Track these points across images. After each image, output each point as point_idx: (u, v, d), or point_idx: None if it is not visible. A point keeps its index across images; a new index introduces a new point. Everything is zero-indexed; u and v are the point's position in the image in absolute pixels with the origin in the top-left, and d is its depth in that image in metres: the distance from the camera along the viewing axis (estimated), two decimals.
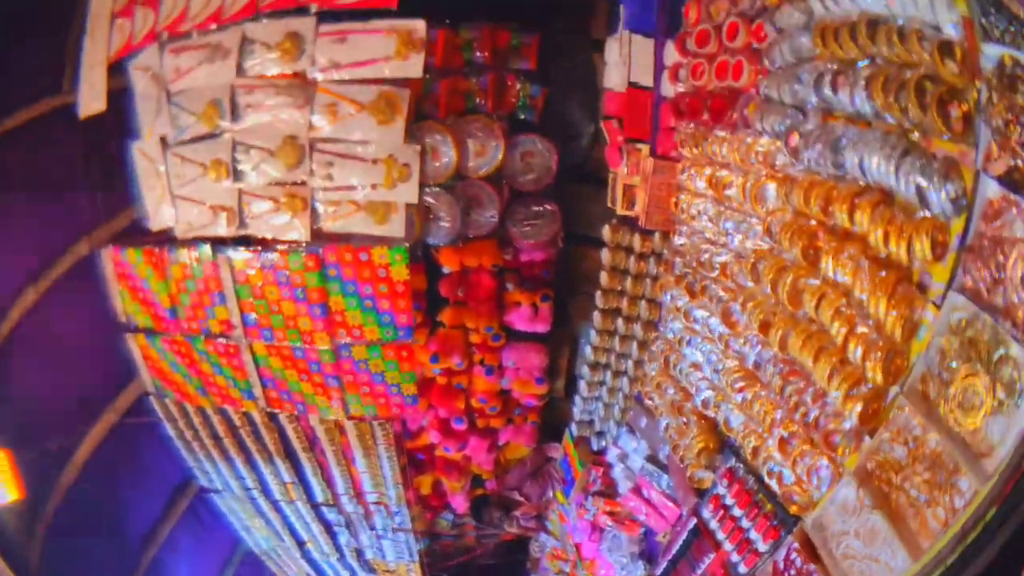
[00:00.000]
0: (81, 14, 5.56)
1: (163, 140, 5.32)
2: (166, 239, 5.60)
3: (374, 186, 4.80)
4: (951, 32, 2.45)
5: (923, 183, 2.53)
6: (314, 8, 4.63)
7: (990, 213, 2.34)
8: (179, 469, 7.22)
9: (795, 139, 3.31)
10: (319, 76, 4.73)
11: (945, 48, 2.44)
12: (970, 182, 2.41)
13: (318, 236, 5.07)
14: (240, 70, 4.82)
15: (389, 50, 4.54)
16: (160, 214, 5.53)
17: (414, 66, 4.56)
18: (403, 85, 4.70)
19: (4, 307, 5.85)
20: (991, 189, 2.33)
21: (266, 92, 4.81)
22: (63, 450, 6.43)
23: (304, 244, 5.12)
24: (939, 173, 2.48)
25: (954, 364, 2.46)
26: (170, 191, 5.39)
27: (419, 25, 4.53)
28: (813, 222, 3.20)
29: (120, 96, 5.44)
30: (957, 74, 2.42)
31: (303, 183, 4.95)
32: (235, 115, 4.93)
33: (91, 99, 5.47)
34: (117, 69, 5.43)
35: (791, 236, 3.26)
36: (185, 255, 5.53)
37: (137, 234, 5.74)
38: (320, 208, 4.99)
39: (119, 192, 5.68)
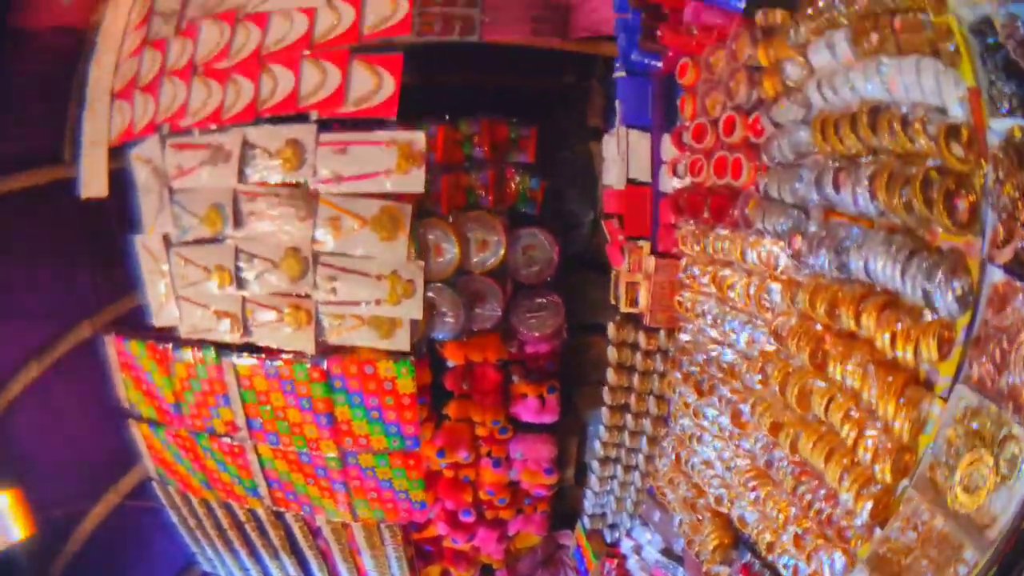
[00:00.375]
0: (80, 84, 5.64)
1: (165, 238, 5.32)
2: (170, 336, 5.56)
3: (378, 302, 4.79)
4: (957, 112, 2.44)
5: (929, 288, 2.50)
6: (314, 115, 4.65)
7: (995, 300, 2.32)
8: (182, 553, 7.06)
9: (798, 242, 3.29)
10: (321, 188, 4.74)
11: (951, 132, 2.42)
12: (976, 273, 2.40)
13: (323, 347, 5.06)
14: (242, 175, 4.84)
15: (390, 163, 4.55)
16: (164, 311, 5.52)
17: (415, 180, 4.58)
18: (405, 199, 4.71)
19: (5, 378, 5.80)
20: (996, 275, 2.32)
21: (268, 201, 4.83)
22: (67, 521, 6.33)
23: (309, 356, 5.10)
24: (945, 273, 2.46)
25: (960, 451, 2.43)
26: (174, 290, 5.39)
27: (418, 137, 4.56)
28: (819, 326, 3.17)
29: (122, 175, 5.47)
30: (963, 158, 2.40)
31: (307, 295, 4.95)
32: (238, 221, 4.94)
33: (92, 181, 5.55)
34: (118, 150, 5.48)
35: (798, 341, 3.23)
36: (189, 355, 5.49)
37: (140, 322, 5.71)
38: (325, 321, 4.97)
39: (121, 275, 5.67)
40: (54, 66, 5.75)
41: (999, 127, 2.26)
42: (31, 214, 5.74)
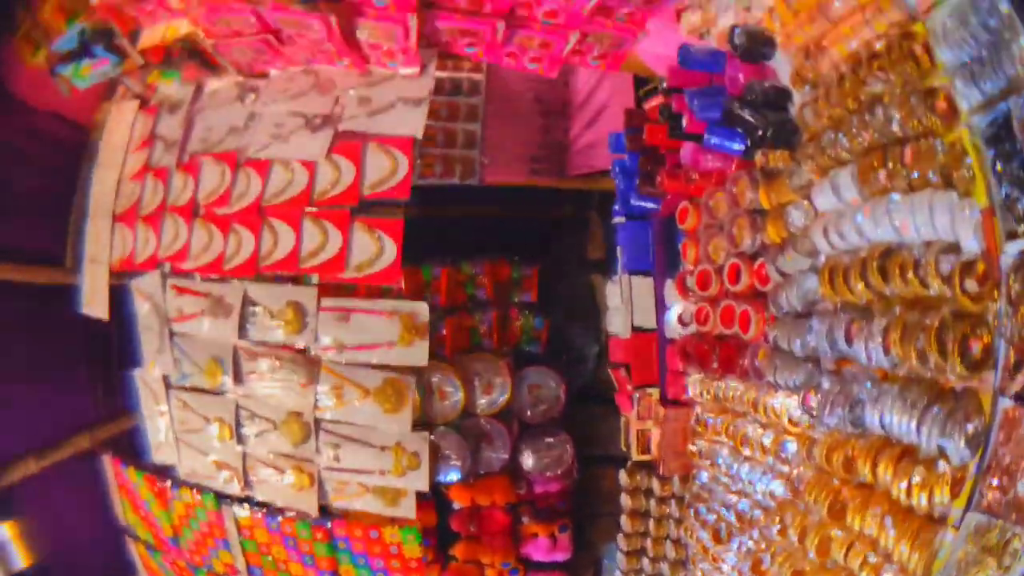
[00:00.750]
0: (82, 191, 5.63)
1: (165, 378, 5.21)
2: (169, 473, 5.45)
3: (383, 472, 4.65)
4: (972, 247, 2.40)
5: (945, 444, 2.46)
6: (315, 279, 4.59)
7: (1006, 425, 2.28)
8: None
9: (812, 399, 3.22)
10: (323, 355, 4.64)
11: (965, 269, 2.38)
12: (988, 407, 2.35)
13: (326, 509, 4.93)
14: (243, 331, 4.75)
15: (393, 335, 4.46)
16: (163, 449, 5.40)
17: (419, 353, 4.48)
18: (409, 371, 4.61)
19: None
20: (1007, 402, 2.27)
21: (270, 363, 4.74)
22: None
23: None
24: (959, 421, 2.41)
25: (969, 566, 2.38)
26: (173, 430, 5.27)
27: (422, 309, 4.49)
28: (836, 480, 3.09)
29: (123, 291, 5.38)
30: (977, 293, 2.36)
31: (310, 460, 4.82)
32: (238, 378, 4.84)
33: (94, 301, 5.48)
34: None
35: (816, 495, 3.15)
36: (188, 496, 5.35)
37: (140, 444, 5.57)
38: (328, 485, 4.84)
39: (121, 393, 5.57)
40: (54, 156, 5.77)
41: (1013, 249, 2.23)
42: (31, 311, 5.67)
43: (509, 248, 5.53)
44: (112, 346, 5.67)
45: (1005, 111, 2.24)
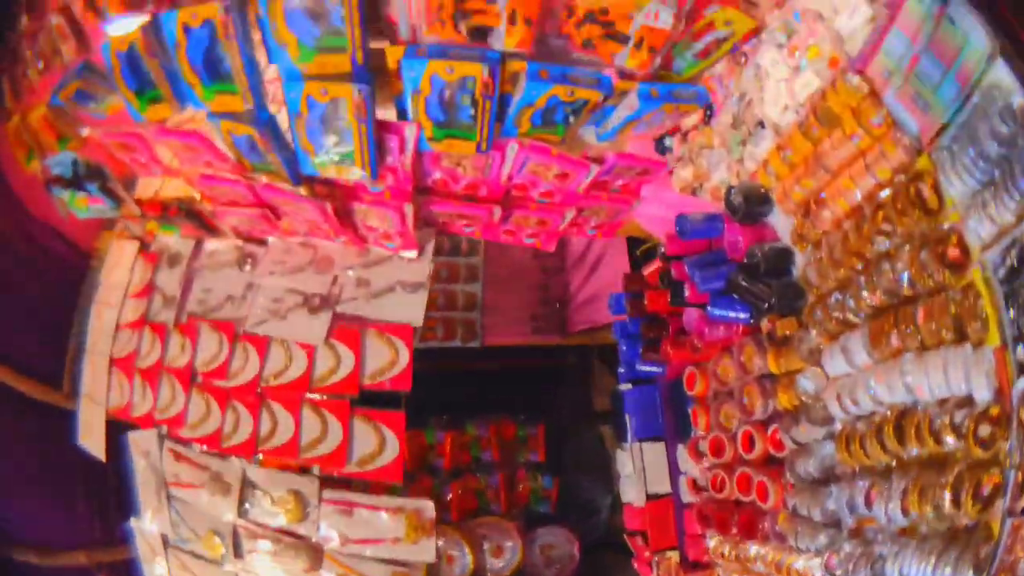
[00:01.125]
0: (80, 320, 5.53)
1: (163, 536, 5.06)
2: None
3: None
4: (985, 396, 2.36)
5: None
6: (316, 470, 4.49)
7: (1011, 534, 2.23)
8: None
9: (835, 561, 3.19)
10: (325, 545, 4.51)
11: (980, 419, 2.35)
12: (997, 529, 2.30)
13: None
14: (243, 510, 4.62)
15: (398, 531, 4.35)
16: None
17: (426, 552, 4.33)
18: (416, 567, 4.47)
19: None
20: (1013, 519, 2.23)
21: (271, 544, 4.60)
22: None
23: None
24: (970, 559, 2.37)
25: None
26: None
27: (427, 506, 4.36)
28: None
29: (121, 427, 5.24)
30: (990, 436, 2.33)
31: None
32: (238, 554, 4.68)
33: (90, 438, 5.33)
34: None
35: None
36: None
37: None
38: None
39: (119, 525, 5.34)
40: (54, 270, 5.69)
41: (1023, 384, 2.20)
42: (30, 421, 5.59)
43: (513, 402, 5.50)
44: (109, 477, 5.51)
45: (1019, 237, 2.20)
